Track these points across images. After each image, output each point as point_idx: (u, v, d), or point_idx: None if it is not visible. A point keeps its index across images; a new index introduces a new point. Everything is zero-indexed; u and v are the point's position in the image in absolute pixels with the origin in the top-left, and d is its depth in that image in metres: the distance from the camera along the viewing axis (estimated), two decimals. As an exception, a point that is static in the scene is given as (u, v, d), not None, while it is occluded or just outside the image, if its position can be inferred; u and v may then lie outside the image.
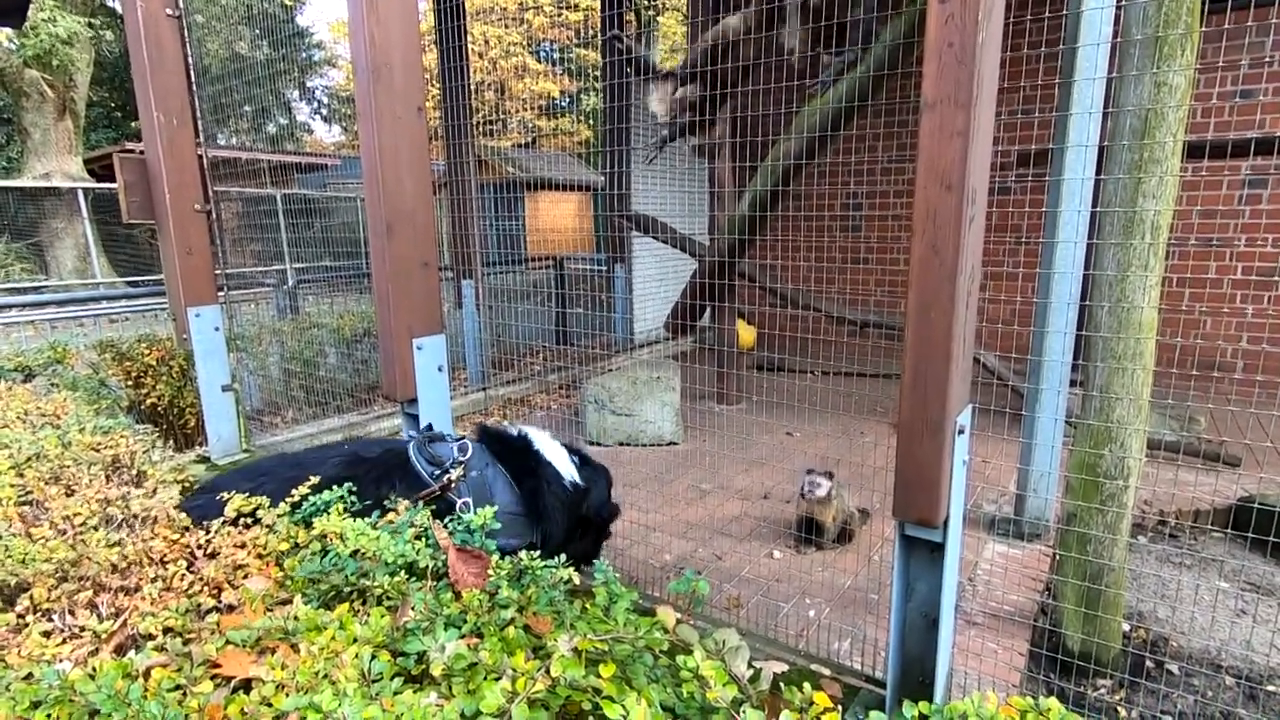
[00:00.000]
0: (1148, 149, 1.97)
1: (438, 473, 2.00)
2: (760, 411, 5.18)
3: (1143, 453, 2.20)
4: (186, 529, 1.63)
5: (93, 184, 12.12)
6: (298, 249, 10.43)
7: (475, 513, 1.43)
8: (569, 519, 2.29)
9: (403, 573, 1.28)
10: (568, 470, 2.31)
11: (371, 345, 5.78)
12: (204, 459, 3.79)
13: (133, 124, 19.34)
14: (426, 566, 1.30)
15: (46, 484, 1.96)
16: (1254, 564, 2.95)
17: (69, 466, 2.09)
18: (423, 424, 2.64)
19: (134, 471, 2.16)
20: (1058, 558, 2.37)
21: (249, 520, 1.62)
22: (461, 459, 2.07)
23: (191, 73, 3.51)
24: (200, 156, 3.58)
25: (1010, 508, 3.38)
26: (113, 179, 13.44)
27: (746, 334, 6.91)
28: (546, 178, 13.30)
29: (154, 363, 4.16)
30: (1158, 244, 2.03)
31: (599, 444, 4.37)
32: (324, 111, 25.59)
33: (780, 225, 7.10)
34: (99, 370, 4.35)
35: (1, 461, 2.08)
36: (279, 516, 1.52)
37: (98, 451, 2.26)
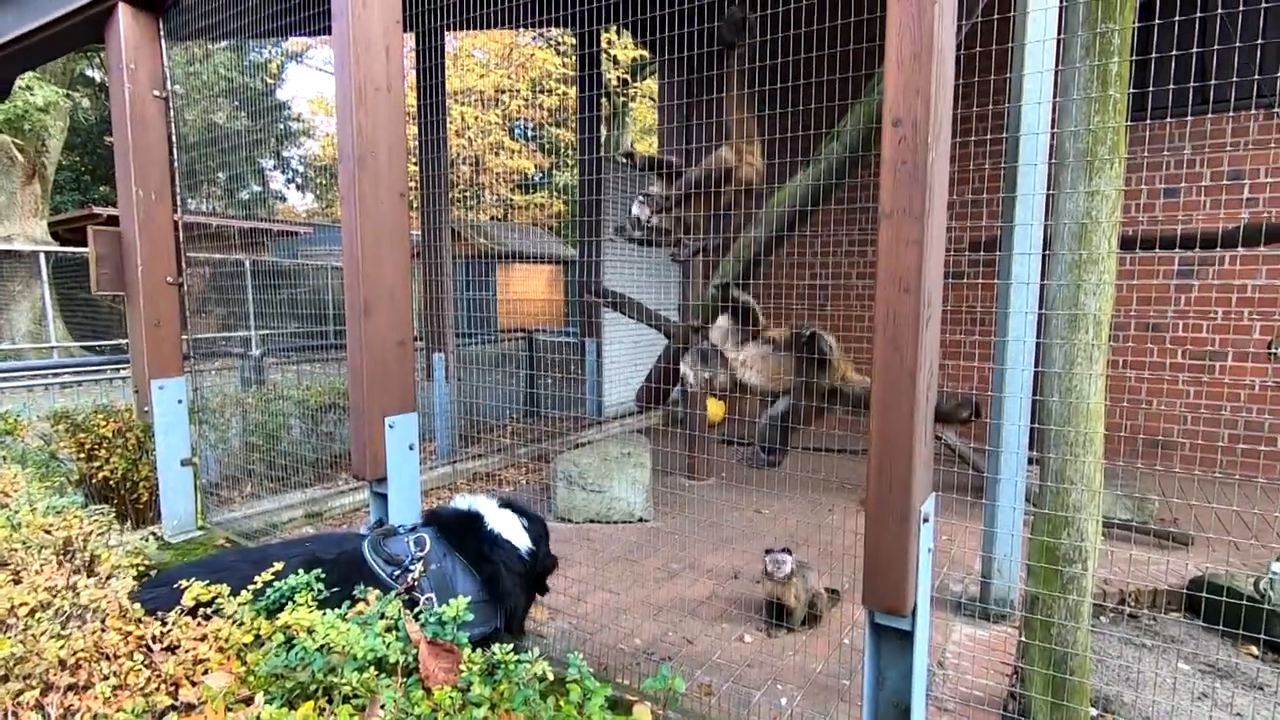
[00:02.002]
0: (1086, 251, 2.13)
1: (397, 573, 1.97)
2: (729, 489, 5.20)
3: (1098, 537, 2.28)
4: (140, 620, 1.58)
5: (56, 247, 11.96)
6: (265, 316, 10.34)
7: (448, 604, 1.41)
8: (527, 591, 2.31)
9: (372, 669, 1.26)
10: (521, 540, 2.32)
11: (337, 419, 5.70)
12: (157, 537, 3.65)
13: (101, 188, 19.29)
14: (397, 661, 1.28)
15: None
16: (1210, 645, 3.01)
17: (17, 550, 2.01)
18: (391, 504, 2.61)
19: (86, 555, 2.09)
20: (1023, 643, 2.40)
21: (208, 611, 1.57)
22: (420, 554, 2.05)
23: (174, 149, 3.57)
24: (177, 230, 3.61)
25: (976, 588, 3.41)
26: (77, 243, 13.24)
27: (716, 409, 6.99)
28: (519, 250, 13.52)
29: (110, 434, 4.04)
30: (1100, 338, 2.17)
31: (568, 520, 4.32)
32: (298, 180, 25.88)
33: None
34: (50, 442, 4.21)
35: (-56, 543, 2.00)
36: (241, 605, 1.49)
37: (49, 534, 2.18)
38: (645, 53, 13.17)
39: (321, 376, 6.71)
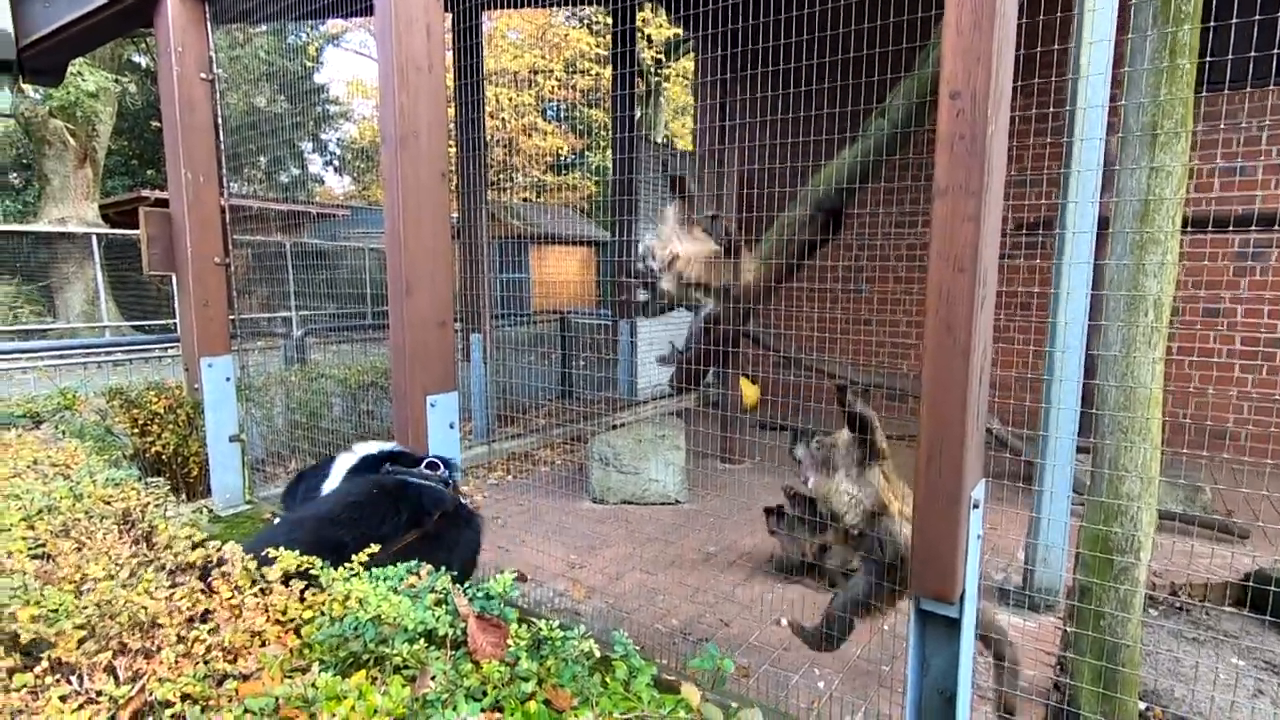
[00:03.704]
0: (1148, 230, 2.04)
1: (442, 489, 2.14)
2: (765, 471, 5.17)
3: (1153, 527, 2.20)
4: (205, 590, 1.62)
5: (107, 230, 12.34)
6: (304, 297, 10.54)
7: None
8: None
9: (422, 640, 1.28)
10: None
11: (376, 398, 5.81)
12: (209, 510, 3.77)
13: (149, 171, 19.82)
14: (446, 634, 1.30)
15: (57, 537, 1.96)
16: (1269, 641, 2.91)
17: (80, 519, 2.09)
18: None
19: (145, 526, 2.16)
20: (1072, 634, 2.34)
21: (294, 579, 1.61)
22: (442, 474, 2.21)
23: (220, 132, 3.63)
24: (223, 212, 3.68)
25: (1018, 577, 3.35)
26: (126, 225, 13.65)
27: (751, 392, 6.94)
28: (552, 232, 13.54)
29: (161, 410, 4.17)
30: (1160, 321, 2.09)
31: (603, 501, 4.35)
32: (336, 163, 26.25)
33: (784, 288, 7.21)
34: (106, 417, 4.36)
35: (13, 514, 2.08)
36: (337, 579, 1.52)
37: (109, 504, 2.26)
38: (680, 31, 12.98)
39: (361, 356, 6.84)
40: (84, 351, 9.28)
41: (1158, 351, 2.11)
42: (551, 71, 16.97)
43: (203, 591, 1.60)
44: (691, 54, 15.13)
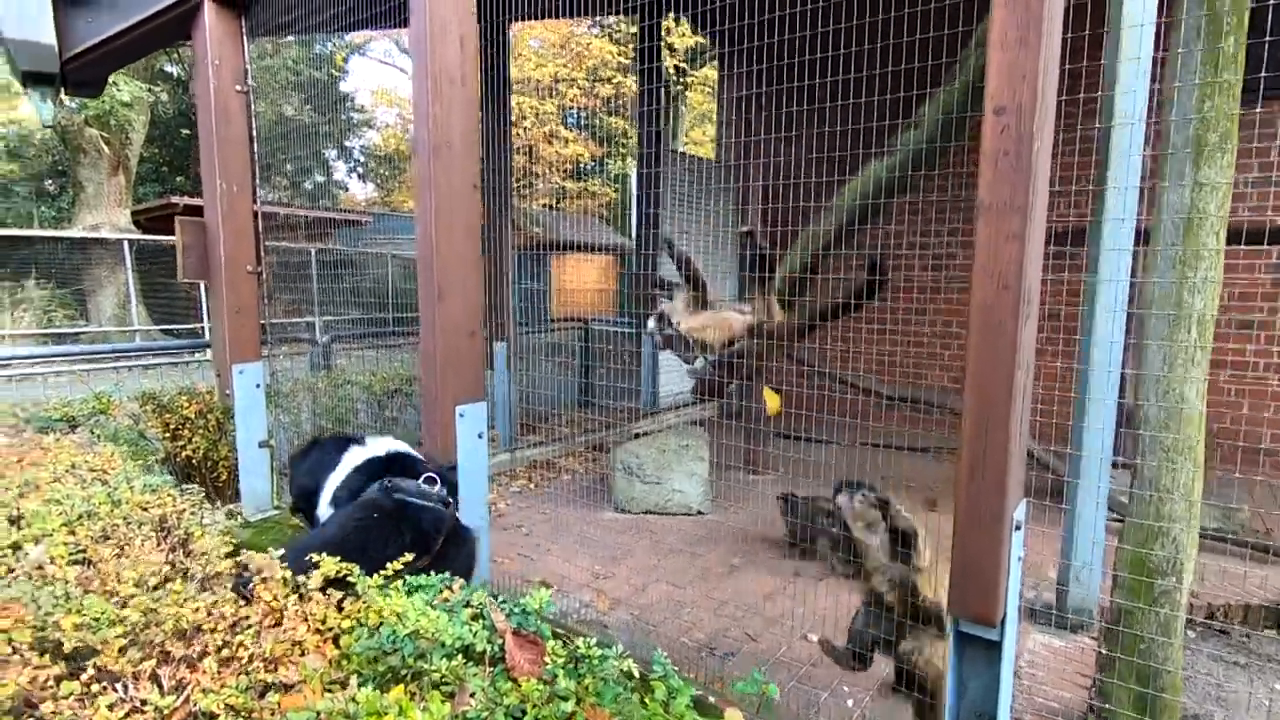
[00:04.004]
0: (1191, 246, 2.00)
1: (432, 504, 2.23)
2: (788, 483, 5.13)
3: (1194, 549, 2.15)
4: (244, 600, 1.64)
5: (138, 235, 12.59)
6: (327, 304, 10.66)
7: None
8: None
9: (460, 656, 1.28)
10: None
11: (399, 405, 5.85)
12: (240, 515, 3.81)
13: (178, 178, 20.21)
14: (483, 650, 1.30)
15: (97, 543, 1.99)
16: (1312, 666, 2.83)
17: (119, 525, 2.12)
18: (460, 491, 2.65)
19: (181, 532, 2.19)
20: (1110, 657, 2.29)
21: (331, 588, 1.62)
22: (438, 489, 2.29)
23: (254, 142, 3.69)
24: (256, 220, 3.74)
25: (1049, 595, 3.29)
26: (157, 231, 13.89)
27: (774, 401, 6.90)
28: (573, 240, 13.59)
29: (192, 415, 4.24)
30: (1204, 339, 2.05)
31: (626, 511, 4.34)
32: (360, 170, 26.60)
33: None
34: (139, 422, 4.44)
35: (54, 518, 2.12)
36: (371, 587, 1.53)
37: (146, 510, 2.29)
38: (704, 39, 13.01)
39: (385, 363, 6.90)
40: (114, 355, 9.47)
41: (1201, 370, 2.06)
42: (574, 80, 17.09)
43: (243, 599, 1.62)
44: (714, 63, 15.17)
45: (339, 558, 1.81)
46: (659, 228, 6.57)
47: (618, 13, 8.81)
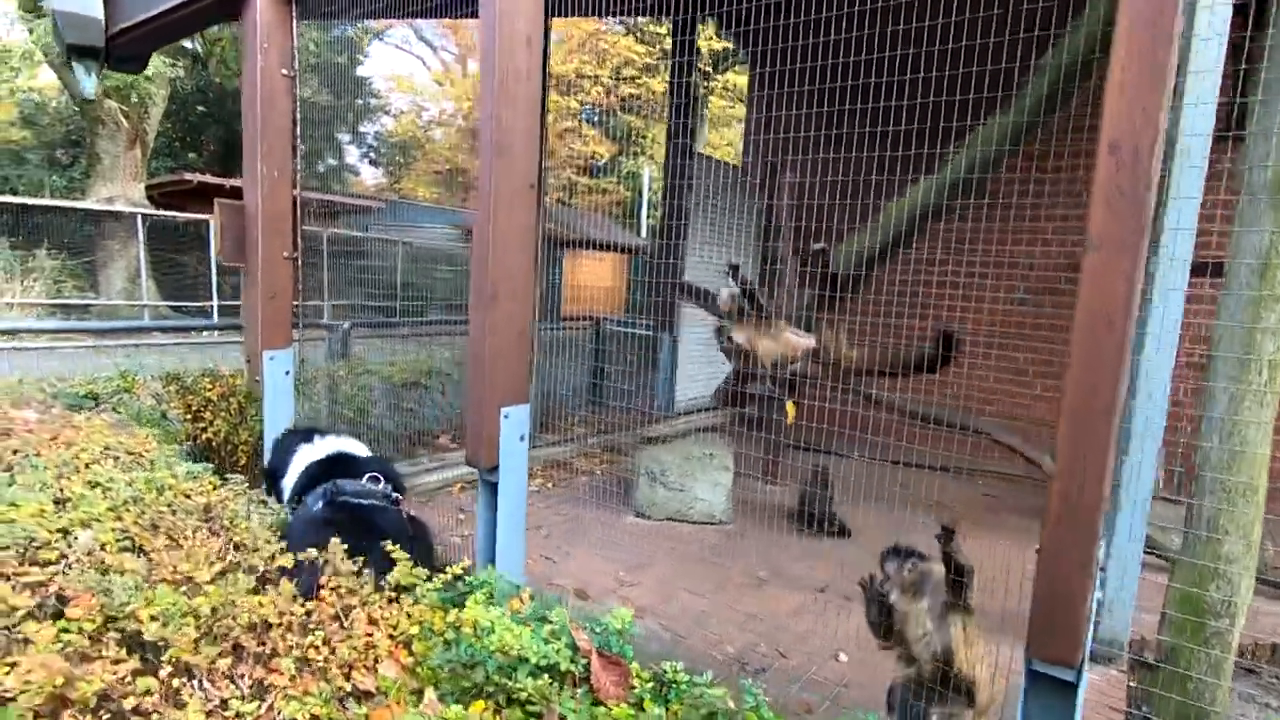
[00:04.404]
0: (1268, 289, 1.99)
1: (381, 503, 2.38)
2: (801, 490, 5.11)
3: (1250, 592, 2.14)
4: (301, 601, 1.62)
5: (152, 211, 12.54)
6: (338, 289, 10.60)
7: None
8: None
9: (545, 675, 1.25)
10: None
11: (418, 396, 5.83)
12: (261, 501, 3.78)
13: (190, 155, 20.13)
14: (567, 670, 1.28)
15: (146, 531, 1.96)
16: (1343, 712, 2.81)
17: (165, 514, 2.09)
18: (501, 493, 2.62)
19: (226, 521, 2.16)
20: (1149, 693, 2.28)
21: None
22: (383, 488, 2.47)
23: (297, 127, 3.66)
24: (295, 206, 3.71)
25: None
26: (169, 207, 13.83)
27: (791, 412, 6.88)
28: (588, 237, 13.55)
29: (215, 398, 4.21)
30: (1275, 383, 2.03)
31: (647, 517, 4.31)
32: (372, 155, 26.53)
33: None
34: (161, 402, 4.40)
35: (100, 503, 2.09)
36: (430, 590, 1.51)
37: (189, 498, 2.26)
38: (729, 44, 12.97)
39: (401, 351, 6.87)
40: (126, 334, 9.42)
41: (1269, 412, 2.05)
42: (597, 77, 17.06)
43: (305, 596, 1.59)
44: (743, 68, 15.14)
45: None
46: (685, 231, 6.54)
47: (652, 14, 8.78)
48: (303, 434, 3.05)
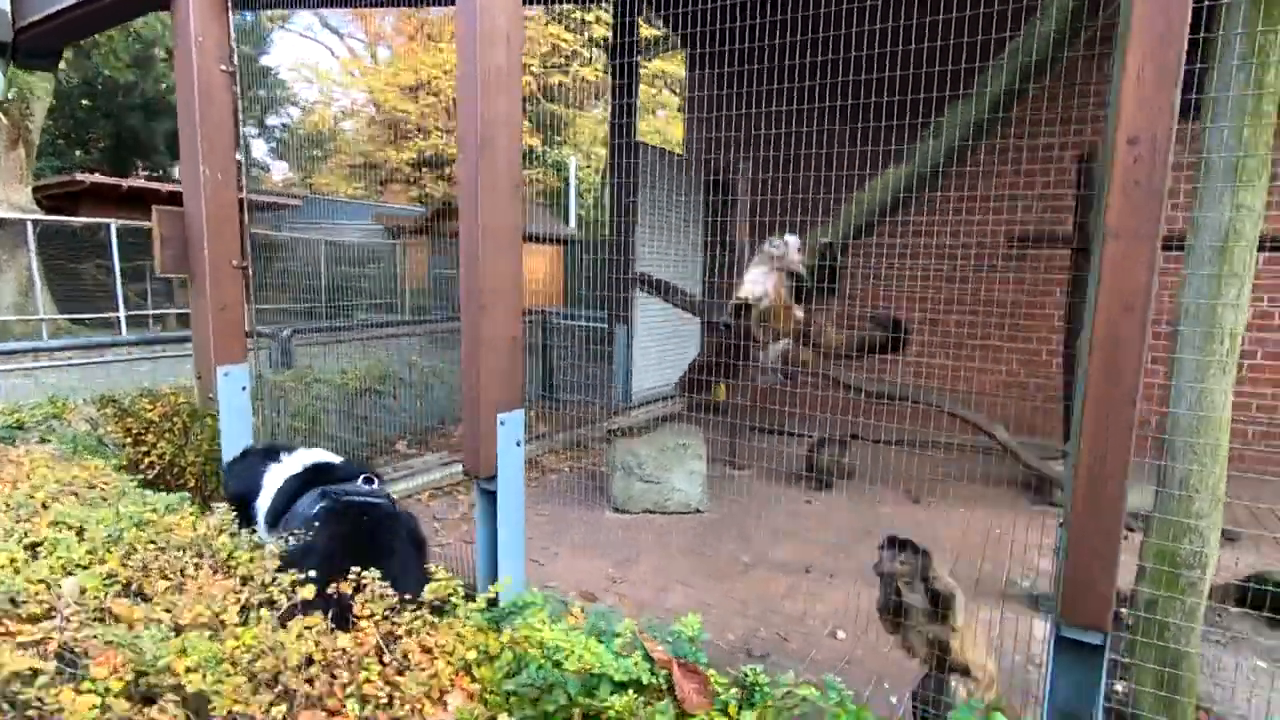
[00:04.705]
0: (1228, 265, 2.15)
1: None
2: (769, 477, 5.23)
3: (1218, 545, 2.33)
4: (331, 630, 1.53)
5: (42, 216, 11.52)
6: (262, 291, 10.05)
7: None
8: None
9: (630, 691, 1.24)
10: None
11: (370, 403, 5.61)
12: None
13: (77, 153, 18.62)
14: (650, 683, 1.27)
15: (140, 574, 1.82)
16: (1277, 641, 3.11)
17: (155, 551, 1.94)
18: (500, 500, 2.56)
19: (223, 556, 2.03)
20: (1131, 641, 2.46)
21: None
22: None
23: (239, 125, 3.43)
24: (241, 209, 3.49)
25: (1043, 584, 3.49)
26: (58, 211, 12.72)
27: (720, 391, 6.97)
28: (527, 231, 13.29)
29: (156, 419, 3.94)
30: (1234, 351, 2.20)
31: (625, 510, 4.32)
32: (280, 149, 25.19)
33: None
34: (97, 426, 4.08)
35: (78, 546, 1.93)
36: (474, 610, 1.46)
37: (171, 532, 2.11)
38: (657, 31, 12.92)
39: (346, 357, 6.59)
40: (24, 354, 8.63)
41: (1230, 379, 2.23)
42: (527, 66, 16.68)
43: (339, 627, 1.51)
44: (669, 55, 15.10)
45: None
46: (634, 219, 6.52)
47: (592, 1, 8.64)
48: (265, 452, 2.88)
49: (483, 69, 2.30)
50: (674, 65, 16.84)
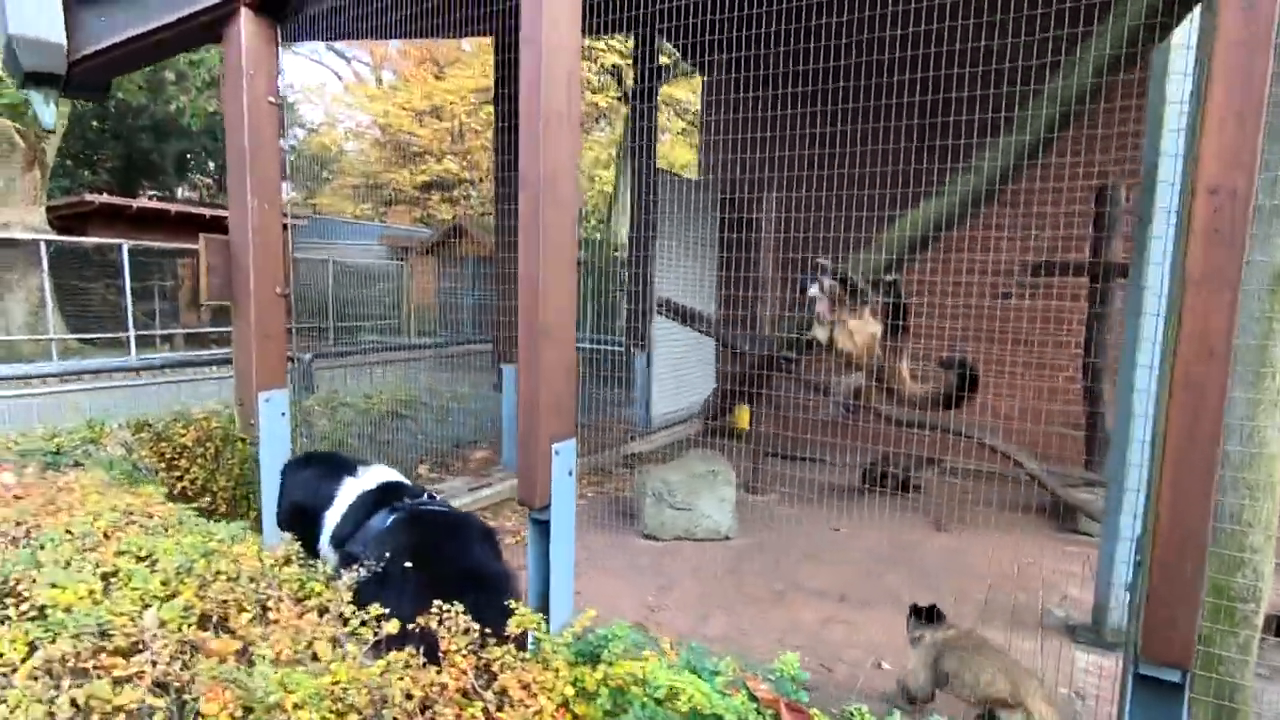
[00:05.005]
0: (1277, 304, 2.20)
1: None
2: (791, 502, 5.24)
3: (1271, 579, 2.36)
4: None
5: (55, 236, 11.58)
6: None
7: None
8: None
9: (741, 731, 1.26)
10: None
11: (395, 426, 5.63)
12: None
13: (85, 173, 18.73)
14: (759, 722, 1.28)
15: (224, 605, 1.84)
16: (1319, 674, 3.12)
17: (229, 582, 1.96)
18: (553, 531, 2.58)
19: (292, 584, 2.04)
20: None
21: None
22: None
23: (285, 158, 3.49)
24: (286, 239, 3.53)
25: (1077, 614, 3.50)
26: (67, 230, 12.79)
27: (744, 417, 7.01)
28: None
29: (190, 444, 3.96)
30: (1285, 387, 2.25)
31: (656, 538, 4.32)
32: (285, 170, 25.36)
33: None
34: (132, 451, 4.09)
35: (153, 577, 1.94)
36: (562, 645, 1.48)
37: (239, 562, 2.12)
38: (666, 58, 13.14)
39: (368, 381, 6.61)
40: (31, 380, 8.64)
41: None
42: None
43: (431, 661, 1.53)
44: (687, 82, 15.32)
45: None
46: (652, 245, 6.59)
47: (617, 30, 8.80)
48: (334, 463, 2.71)
49: (545, 111, 2.36)
50: (681, 90, 17.08)
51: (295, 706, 1.33)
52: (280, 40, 3.40)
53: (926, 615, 2.62)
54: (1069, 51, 2.74)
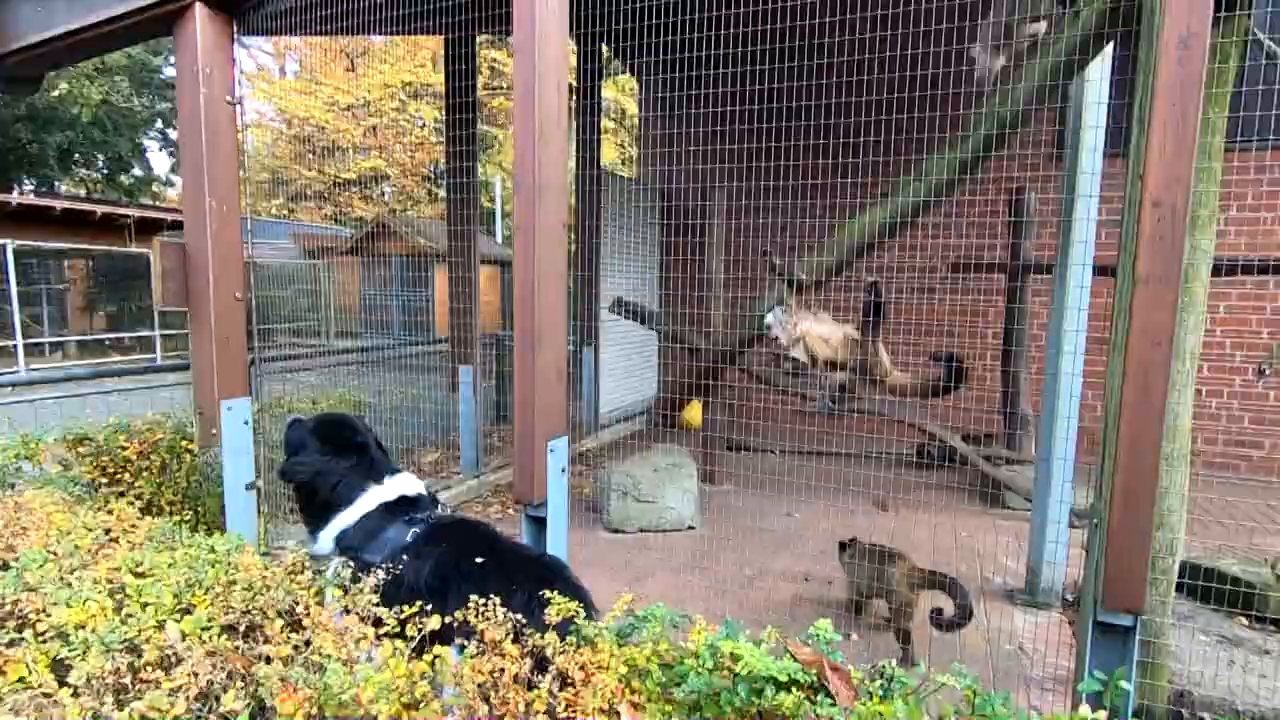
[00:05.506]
0: (1187, 298, 2.55)
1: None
2: (746, 492, 5.47)
3: (1184, 535, 2.72)
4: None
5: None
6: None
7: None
8: None
9: (795, 689, 1.40)
10: None
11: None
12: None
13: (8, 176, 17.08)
14: (805, 682, 1.43)
15: (242, 615, 1.84)
16: (1214, 621, 3.59)
17: (243, 592, 1.95)
18: (549, 526, 2.66)
19: (312, 591, 2.04)
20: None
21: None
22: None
23: (243, 156, 3.39)
24: (244, 243, 3.43)
25: (1014, 581, 3.87)
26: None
27: (695, 413, 7.23)
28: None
29: (133, 457, 3.78)
30: (1193, 369, 2.60)
31: (621, 531, 4.43)
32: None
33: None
34: (69, 467, 3.85)
35: (165, 592, 1.91)
36: (602, 629, 1.58)
37: (248, 572, 2.10)
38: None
39: (306, 385, 6.39)
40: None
41: (1189, 393, 2.62)
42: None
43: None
44: (615, 82, 15.41)
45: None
46: (597, 245, 6.69)
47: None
48: (364, 461, 2.49)
49: (540, 115, 2.43)
50: (609, 90, 17.19)
51: (370, 700, 1.37)
52: (236, 34, 3.30)
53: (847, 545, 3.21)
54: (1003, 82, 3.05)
